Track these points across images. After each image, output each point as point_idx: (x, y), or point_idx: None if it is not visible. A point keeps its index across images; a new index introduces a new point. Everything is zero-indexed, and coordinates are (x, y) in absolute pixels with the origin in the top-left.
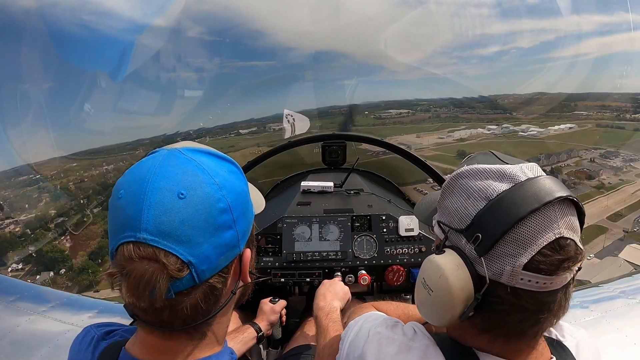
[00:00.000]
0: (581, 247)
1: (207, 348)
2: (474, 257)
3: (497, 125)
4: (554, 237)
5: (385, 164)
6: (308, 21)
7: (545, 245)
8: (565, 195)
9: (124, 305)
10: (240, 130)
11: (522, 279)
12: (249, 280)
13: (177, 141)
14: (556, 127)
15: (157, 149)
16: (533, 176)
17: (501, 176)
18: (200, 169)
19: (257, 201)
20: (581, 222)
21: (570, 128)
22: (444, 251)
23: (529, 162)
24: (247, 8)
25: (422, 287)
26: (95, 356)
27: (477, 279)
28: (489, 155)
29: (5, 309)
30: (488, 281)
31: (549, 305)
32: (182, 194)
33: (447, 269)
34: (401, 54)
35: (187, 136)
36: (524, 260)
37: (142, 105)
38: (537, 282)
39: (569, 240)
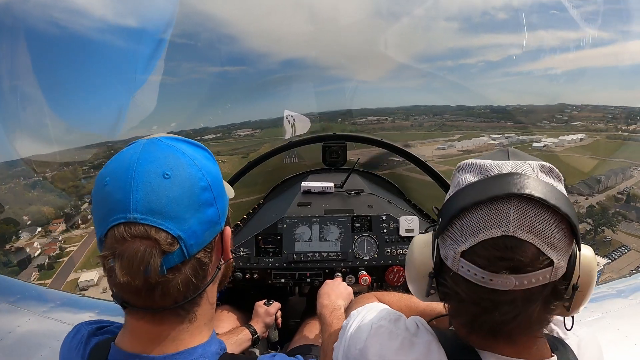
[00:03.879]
0: (549, 256)
1: (196, 332)
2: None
3: (500, 134)
4: (500, 234)
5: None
6: (282, 28)
7: (489, 239)
8: (521, 193)
9: (113, 295)
10: (203, 137)
11: (462, 266)
12: (230, 256)
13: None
14: (569, 137)
15: (134, 141)
16: (507, 172)
17: (478, 170)
18: (181, 153)
19: (227, 188)
20: (573, 233)
21: (581, 140)
22: (427, 232)
23: (587, 182)
24: (219, 12)
25: (406, 261)
26: (86, 352)
27: (438, 259)
28: (502, 152)
29: (5, 309)
30: (435, 259)
31: (486, 303)
32: (167, 174)
33: (416, 244)
34: (375, 65)
35: None
36: (463, 248)
37: (104, 108)
38: (475, 274)
39: (524, 243)
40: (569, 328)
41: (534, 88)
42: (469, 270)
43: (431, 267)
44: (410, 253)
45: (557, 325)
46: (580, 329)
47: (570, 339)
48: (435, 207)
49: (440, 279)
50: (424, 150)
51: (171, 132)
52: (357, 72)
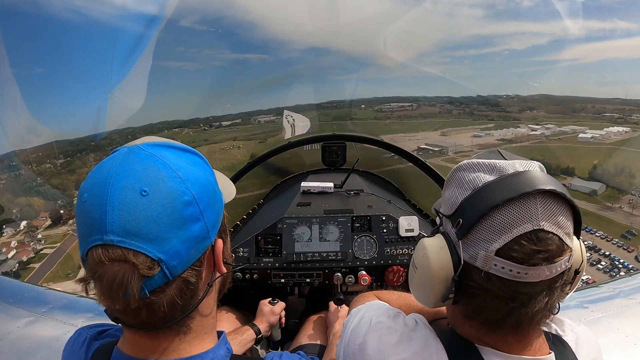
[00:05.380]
0: (569, 245)
1: (196, 341)
2: (455, 241)
3: (539, 125)
4: (532, 229)
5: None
6: (304, 16)
7: (521, 234)
8: (547, 188)
9: (105, 310)
10: (222, 123)
11: (495, 264)
12: (224, 270)
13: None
14: (614, 129)
15: (117, 148)
16: (522, 170)
17: (491, 169)
18: (162, 164)
19: (228, 189)
20: (577, 222)
21: (625, 132)
22: (435, 235)
23: None
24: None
25: (412, 266)
26: (88, 357)
27: (458, 261)
28: (494, 152)
29: (4, 310)
30: (462, 262)
31: (522, 297)
32: (144, 191)
33: (430, 249)
34: (397, 52)
35: (163, 126)
36: (497, 246)
37: (128, 94)
38: (510, 270)
39: (550, 235)
40: (556, 313)
41: (560, 79)
42: (503, 267)
43: (452, 271)
44: (424, 260)
45: (555, 323)
46: (578, 326)
47: (568, 336)
48: (434, 209)
49: (465, 281)
50: (459, 138)
51: (192, 119)
52: (380, 60)
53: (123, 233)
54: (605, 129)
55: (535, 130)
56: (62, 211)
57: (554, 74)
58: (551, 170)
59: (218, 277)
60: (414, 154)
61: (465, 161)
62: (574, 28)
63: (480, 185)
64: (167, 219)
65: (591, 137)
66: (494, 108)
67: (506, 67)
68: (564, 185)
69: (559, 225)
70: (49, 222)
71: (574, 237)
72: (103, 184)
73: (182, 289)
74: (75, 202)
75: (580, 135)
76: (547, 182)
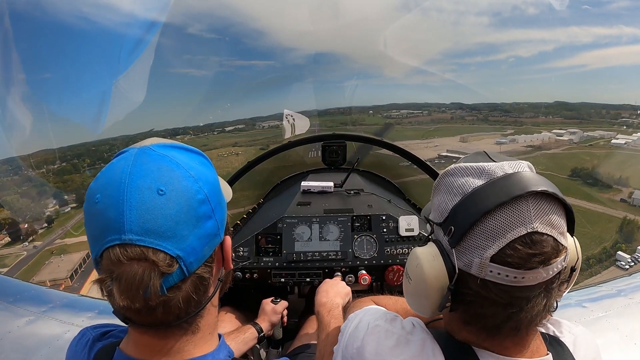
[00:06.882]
0: (564, 244)
1: (201, 342)
2: (448, 249)
3: (564, 130)
4: (526, 232)
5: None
6: (308, 22)
7: (516, 239)
8: (539, 189)
9: (114, 311)
10: (225, 128)
11: (491, 271)
12: (232, 266)
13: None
14: None
15: (125, 149)
16: (511, 172)
17: (480, 173)
18: (175, 164)
19: (226, 191)
20: (570, 220)
21: None
22: (427, 244)
23: None
24: (247, 7)
25: (405, 277)
26: (90, 358)
27: (452, 270)
28: (481, 154)
29: (4, 309)
30: (457, 271)
31: (520, 301)
32: (161, 190)
33: (423, 259)
34: (403, 59)
35: (167, 133)
36: (492, 252)
37: (136, 101)
38: (507, 276)
39: (544, 236)
40: (553, 310)
41: (569, 85)
42: (499, 273)
43: (446, 280)
44: (418, 270)
45: (552, 324)
46: (576, 327)
47: (565, 337)
48: (424, 216)
49: (461, 289)
50: (480, 145)
51: (194, 126)
52: (386, 66)
53: (142, 232)
54: (635, 135)
55: (562, 136)
56: (26, 225)
57: (562, 80)
58: (602, 182)
59: (224, 274)
60: (415, 153)
61: (452, 166)
62: (579, 35)
63: (469, 190)
64: (183, 217)
65: (624, 143)
66: (507, 114)
67: (512, 74)
68: (624, 200)
69: (552, 225)
70: (7, 239)
71: (568, 235)
72: (118, 184)
73: (197, 285)
74: (47, 213)
75: (613, 141)
76: (538, 183)
